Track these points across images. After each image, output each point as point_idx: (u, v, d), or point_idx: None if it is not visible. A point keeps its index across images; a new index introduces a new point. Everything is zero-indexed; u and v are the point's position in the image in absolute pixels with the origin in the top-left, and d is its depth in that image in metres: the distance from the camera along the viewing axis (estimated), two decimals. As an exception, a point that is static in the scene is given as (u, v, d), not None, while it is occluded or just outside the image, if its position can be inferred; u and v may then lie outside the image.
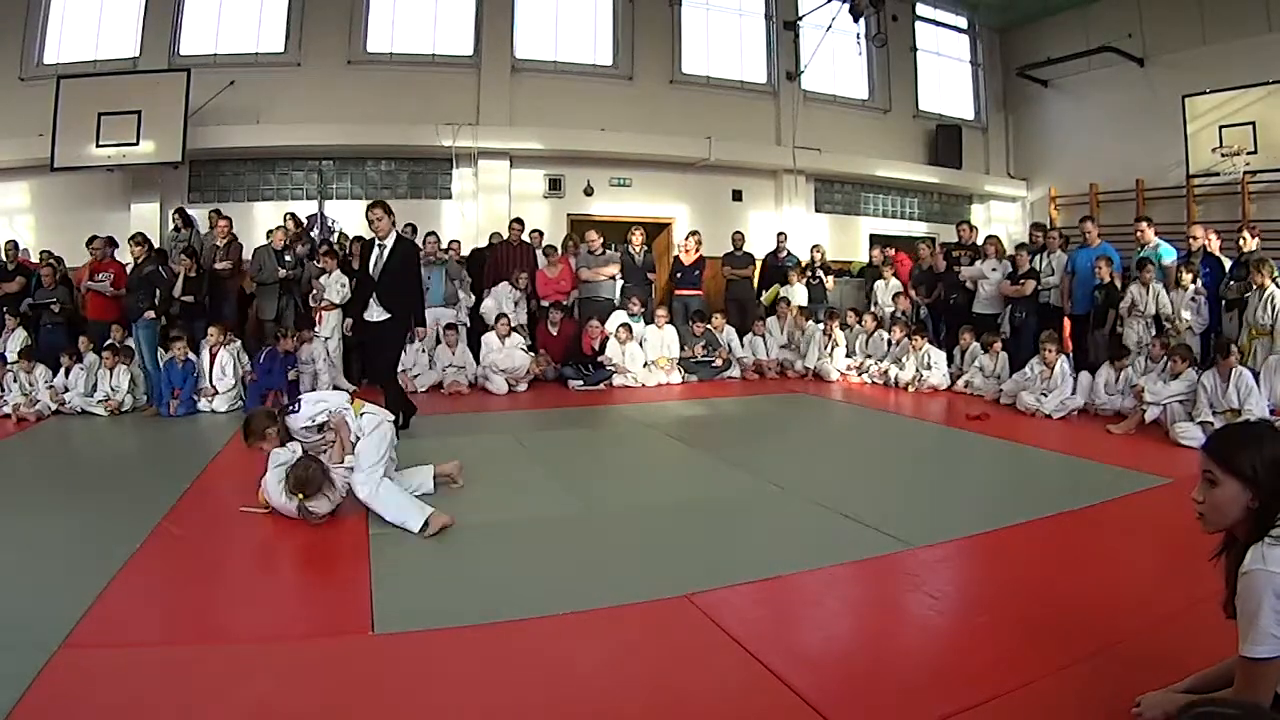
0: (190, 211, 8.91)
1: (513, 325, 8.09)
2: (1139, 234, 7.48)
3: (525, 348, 8.01)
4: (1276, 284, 6.14)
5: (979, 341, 7.66)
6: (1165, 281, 6.94)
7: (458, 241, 9.09)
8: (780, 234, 10.35)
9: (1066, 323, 7.75)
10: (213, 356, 6.83)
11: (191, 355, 6.73)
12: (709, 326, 8.79)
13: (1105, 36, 11.40)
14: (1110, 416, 6.11)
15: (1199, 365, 5.88)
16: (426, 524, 3.35)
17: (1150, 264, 6.90)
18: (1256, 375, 5.46)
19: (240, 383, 6.89)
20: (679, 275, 9.45)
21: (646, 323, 8.63)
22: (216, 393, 6.73)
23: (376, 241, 5.41)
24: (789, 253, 10.14)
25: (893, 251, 9.93)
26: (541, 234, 9.45)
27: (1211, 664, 1.86)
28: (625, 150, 10.54)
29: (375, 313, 5.44)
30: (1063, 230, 8.92)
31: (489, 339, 7.87)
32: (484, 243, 9.46)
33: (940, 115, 12.91)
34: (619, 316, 8.49)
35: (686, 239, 9.55)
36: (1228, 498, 1.66)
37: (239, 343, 7.26)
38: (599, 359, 8.10)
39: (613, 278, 8.86)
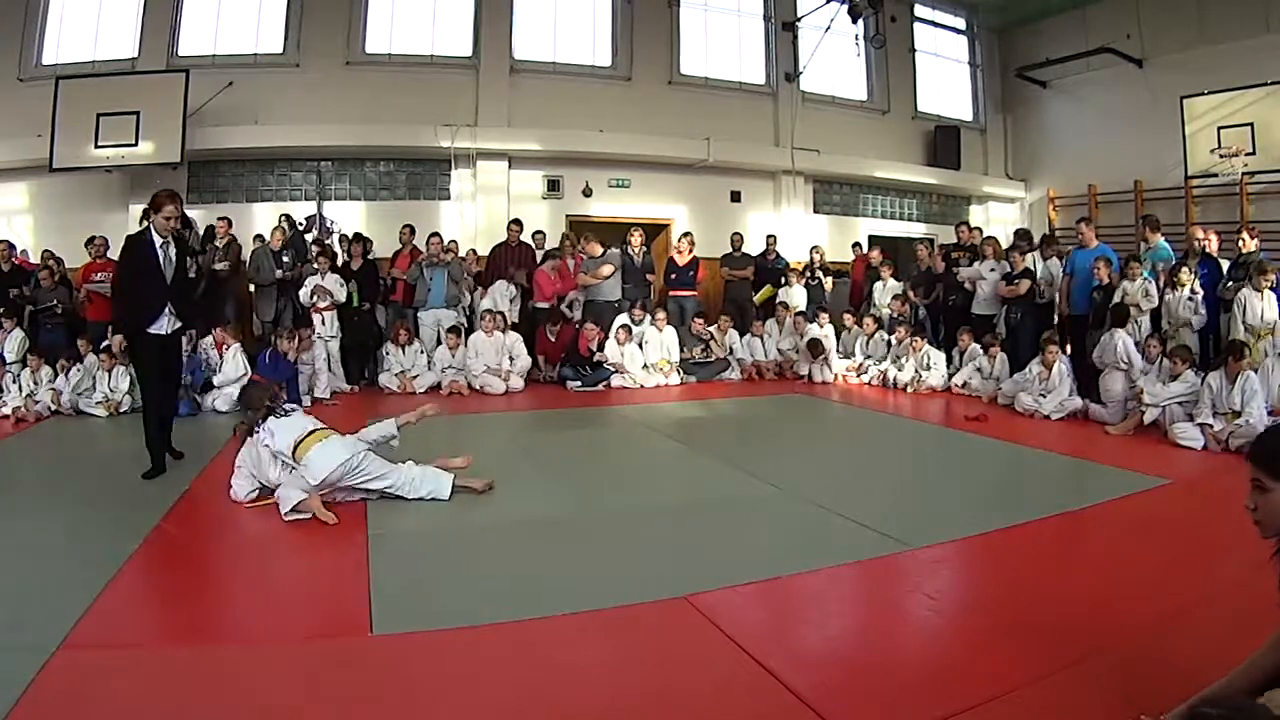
0: (190, 213, 8.91)
1: (509, 323, 8.09)
2: (1144, 235, 7.49)
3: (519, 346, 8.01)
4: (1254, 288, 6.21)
5: (979, 343, 7.65)
6: (1161, 281, 6.96)
7: (455, 242, 9.09)
8: (769, 236, 10.32)
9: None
10: (221, 351, 6.92)
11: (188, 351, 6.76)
12: (710, 328, 8.79)
13: (1104, 37, 11.42)
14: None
15: (1198, 366, 5.88)
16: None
17: (1137, 262, 6.93)
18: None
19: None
20: (673, 276, 9.43)
21: (650, 323, 8.64)
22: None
23: (155, 241, 4.44)
24: (778, 254, 10.14)
25: (856, 252, 10.20)
26: (544, 235, 9.46)
27: (1209, 664, 1.85)
28: (624, 151, 10.54)
29: (167, 324, 4.55)
30: (1058, 233, 8.92)
31: (475, 339, 7.84)
32: (483, 243, 9.47)
33: (939, 116, 12.92)
34: (619, 319, 8.48)
35: (680, 240, 9.55)
36: (1277, 502, 1.64)
37: (239, 344, 7.29)
38: (596, 359, 8.09)
39: (609, 277, 8.83)
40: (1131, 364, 6.15)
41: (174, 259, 4.52)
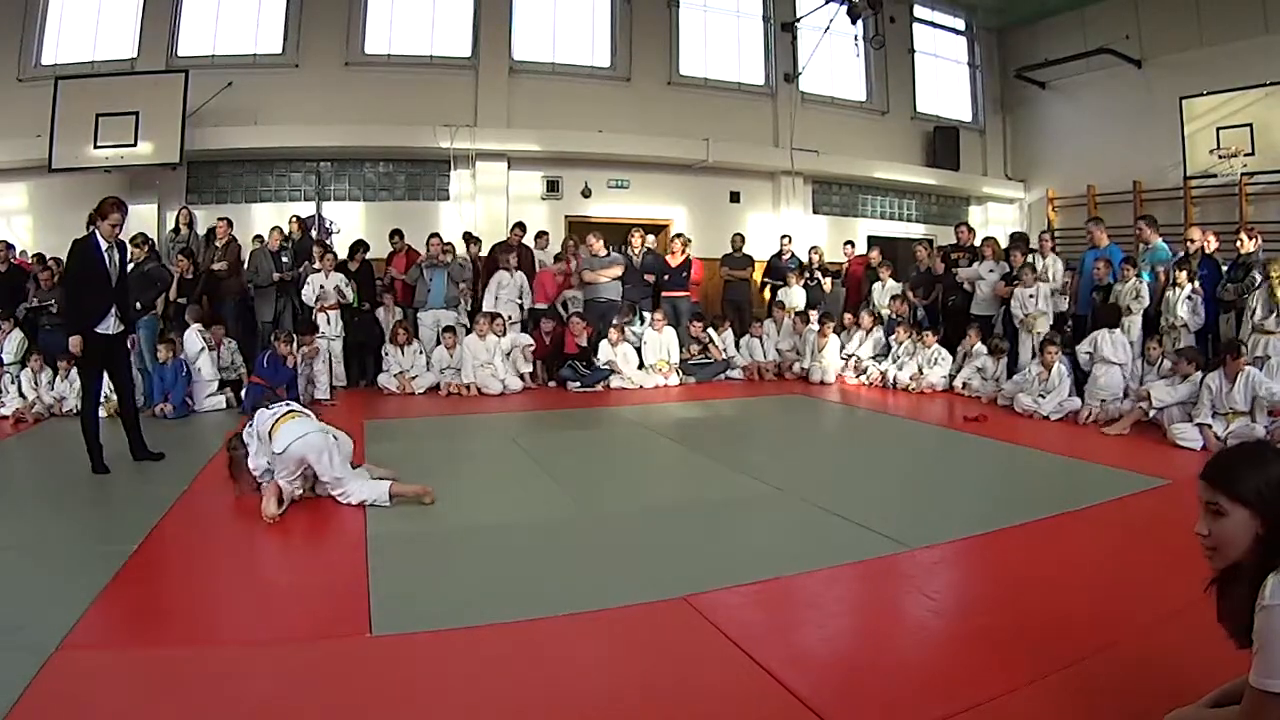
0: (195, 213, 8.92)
1: (510, 322, 8.08)
2: (1142, 235, 7.49)
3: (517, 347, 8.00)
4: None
5: (985, 345, 7.62)
6: (1161, 281, 6.95)
7: (451, 244, 9.06)
8: (784, 236, 10.34)
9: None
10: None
11: (181, 356, 6.76)
12: (709, 329, 8.78)
13: (1103, 38, 11.43)
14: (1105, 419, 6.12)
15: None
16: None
17: (1131, 265, 6.92)
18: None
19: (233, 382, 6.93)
20: (666, 277, 9.41)
21: (642, 323, 8.63)
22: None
23: (101, 245, 4.64)
24: (792, 254, 10.14)
25: (847, 252, 10.37)
26: (546, 235, 9.46)
27: (1209, 665, 1.85)
28: (623, 152, 10.54)
29: (112, 325, 4.75)
30: (1058, 234, 8.90)
31: (468, 340, 7.82)
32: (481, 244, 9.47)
33: (938, 117, 12.94)
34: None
35: (673, 240, 9.54)
36: (1236, 528, 1.56)
37: (234, 343, 7.33)
38: (594, 360, 8.08)
39: (618, 278, 8.83)
40: (1127, 360, 6.18)
41: (117, 263, 4.76)
